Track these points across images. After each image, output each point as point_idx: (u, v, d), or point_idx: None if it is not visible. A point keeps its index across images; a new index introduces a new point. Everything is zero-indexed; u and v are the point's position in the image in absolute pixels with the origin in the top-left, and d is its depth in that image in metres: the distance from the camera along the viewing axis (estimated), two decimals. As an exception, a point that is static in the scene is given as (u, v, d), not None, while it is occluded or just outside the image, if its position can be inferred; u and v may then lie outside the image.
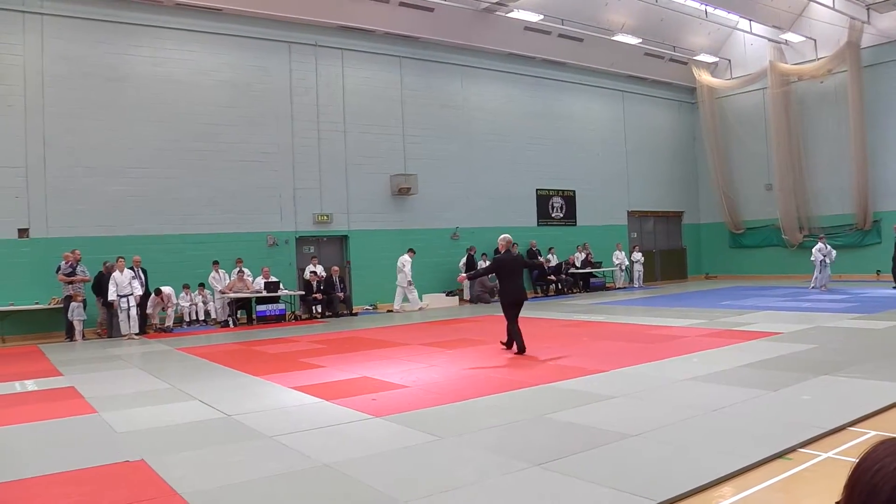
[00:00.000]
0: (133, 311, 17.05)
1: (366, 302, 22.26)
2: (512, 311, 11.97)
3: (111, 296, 16.95)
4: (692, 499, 4.99)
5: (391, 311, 21.79)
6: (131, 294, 17.03)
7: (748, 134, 29.73)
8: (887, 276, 21.46)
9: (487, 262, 19.71)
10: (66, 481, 5.84)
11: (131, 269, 17.50)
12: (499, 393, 8.81)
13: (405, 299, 21.89)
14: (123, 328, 17.03)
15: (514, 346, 11.92)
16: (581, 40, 26.19)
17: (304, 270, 21.13)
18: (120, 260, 17.15)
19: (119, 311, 17.05)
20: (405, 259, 21.63)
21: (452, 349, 12.98)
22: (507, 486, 5.37)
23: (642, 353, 11.50)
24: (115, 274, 16.96)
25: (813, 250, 22.09)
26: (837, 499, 1.13)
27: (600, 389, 8.80)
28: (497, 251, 12.92)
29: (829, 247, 21.86)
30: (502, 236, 12.84)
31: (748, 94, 29.58)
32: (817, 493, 5.12)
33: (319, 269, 20.92)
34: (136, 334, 17.05)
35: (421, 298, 22.47)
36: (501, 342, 12.41)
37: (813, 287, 20.77)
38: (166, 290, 18.31)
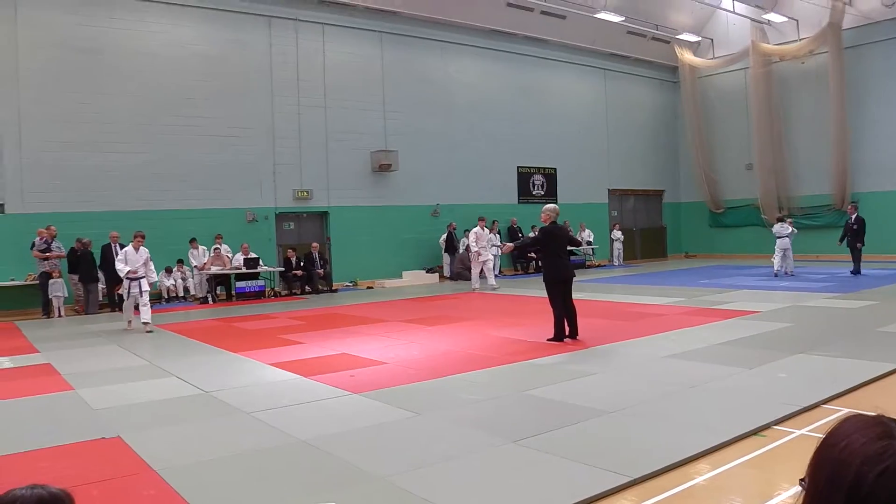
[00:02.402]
0: (146, 298, 13.81)
1: (346, 278, 22.21)
2: (559, 290, 10.64)
3: (121, 274, 14.11)
4: (668, 475, 5.02)
5: (370, 287, 21.74)
6: (143, 277, 13.95)
7: (729, 113, 29.80)
8: (866, 255, 21.39)
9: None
10: (42, 458, 5.81)
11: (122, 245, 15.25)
12: (477, 369, 8.83)
13: (482, 276, 20.38)
14: (127, 315, 14.07)
15: (567, 330, 10.68)
16: (563, 17, 26.06)
17: (287, 246, 21.03)
18: (137, 237, 14.23)
19: (126, 296, 14.01)
20: (476, 231, 20.16)
21: (432, 326, 12.99)
22: (484, 462, 5.40)
23: (621, 330, 11.56)
24: (129, 250, 14.07)
25: (777, 229, 21.29)
26: (802, 476, 1.13)
27: (579, 366, 8.85)
28: (544, 225, 10.99)
29: (792, 228, 21.32)
30: (548, 206, 11.18)
31: (730, 73, 29.60)
32: (790, 469, 5.17)
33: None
34: (146, 324, 13.62)
35: (401, 276, 22.46)
36: (548, 339, 10.68)
37: (776, 274, 20.46)
38: None
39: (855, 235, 20.00)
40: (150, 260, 14.36)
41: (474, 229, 20.19)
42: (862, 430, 1.04)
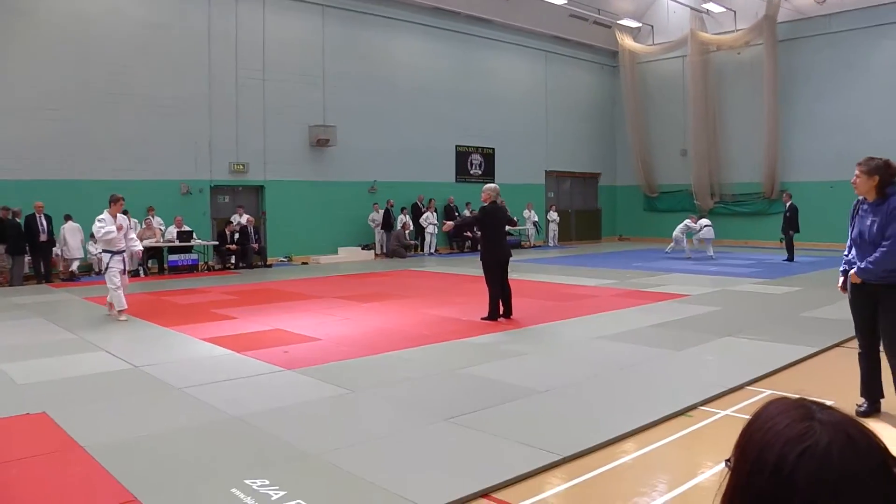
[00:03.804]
0: (124, 278, 11.67)
1: (280, 254, 21.98)
2: (496, 272, 10.71)
3: (101, 247, 12.03)
4: (597, 454, 5.14)
5: (305, 262, 21.57)
6: (124, 251, 11.69)
7: (666, 100, 30.29)
8: (802, 243, 21.95)
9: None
10: (-38, 432, 5.65)
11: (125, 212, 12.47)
12: (411, 347, 8.87)
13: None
14: (117, 301, 11.32)
15: (501, 310, 10.77)
16: (507, -2, 26.10)
17: (223, 220, 20.68)
18: (119, 201, 11.55)
19: (107, 273, 11.45)
20: None
21: (366, 303, 12.98)
22: (416, 440, 5.44)
23: (555, 310, 11.72)
24: (106, 217, 11.33)
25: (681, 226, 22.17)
26: (728, 457, 1.17)
27: (512, 346, 8.96)
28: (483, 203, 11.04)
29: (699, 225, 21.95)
30: (489, 185, 11.18)
31: (668, 60, 30.06)
32: (715, 449, 5.35)
33: (244, 220, 20.34)
34: (120, 311, 11.30)
35: (337, 252, 22.36)
36: (483, 318, 10.72)
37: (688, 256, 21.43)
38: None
39: (786, 223, 20.52)
40: (132, 229, 12.39)
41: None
42: (785, 413, 1.09)
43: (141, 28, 19.27)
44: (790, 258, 20.31)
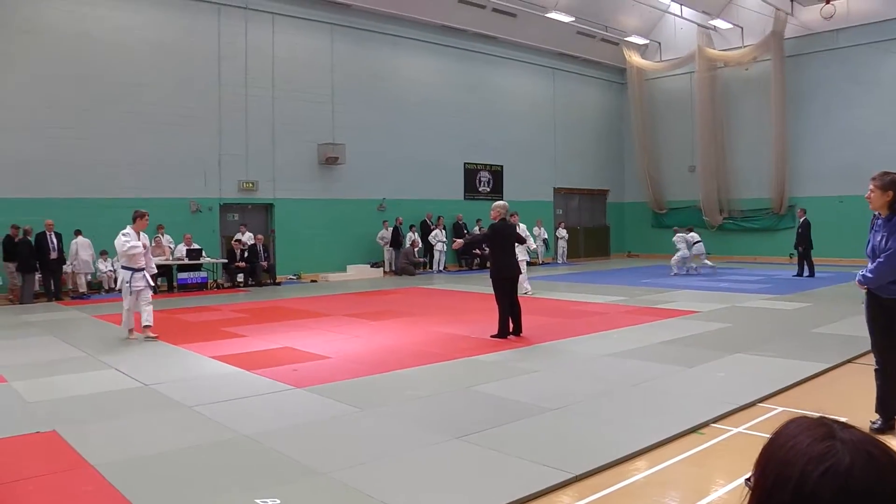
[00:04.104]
0: (149, 295, 11.28)
1: (290, 271, 22.02)
2: (505, 288, 10.74)
3: (123, 262, 11.36)
4: (609, 472, 5.11)
5: (314, 280, 21.59)
6: (143, 269, 11.25)
7: (674, 116, 30.34)
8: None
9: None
10: (-27, 451, 5.64)
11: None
12: (421, 365, 8.85)
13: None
14: (128, 321, 11.20)
15: (511, 327, 10.74)
16: (514, 15, 26.20)
17: (231, 238, 20.74)
18: (144, 217, 11.34)
19: (128, 293, 11.06)
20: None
21: (375, 321, 12.96)
22: (427, 458, 5.42)
23: (565, 328, 11.69)
24: (130, 232, 11.10)
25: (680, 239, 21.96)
26: (748, 475, 1.17)
27: (522, 363, 8.93)
28: (493, 221, 11.01)
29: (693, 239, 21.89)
30: (497, 203, 11.16)
31: (676, 77, 30.13)
32: (727, 466, 5.31)
33: (247, 237, 20.50)
34: (148, 327, 11.10)
35: (345, 270, 22.37)
36: (492, 336, 10.72)
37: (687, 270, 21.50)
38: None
39: (798, 239, 20.52)
40: (148, 249, 11.68)
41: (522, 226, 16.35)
42: (806, 432, 1.09)
43: (149, 47, 19.43)
44: (810, 273, 20.09)
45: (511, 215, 15.68)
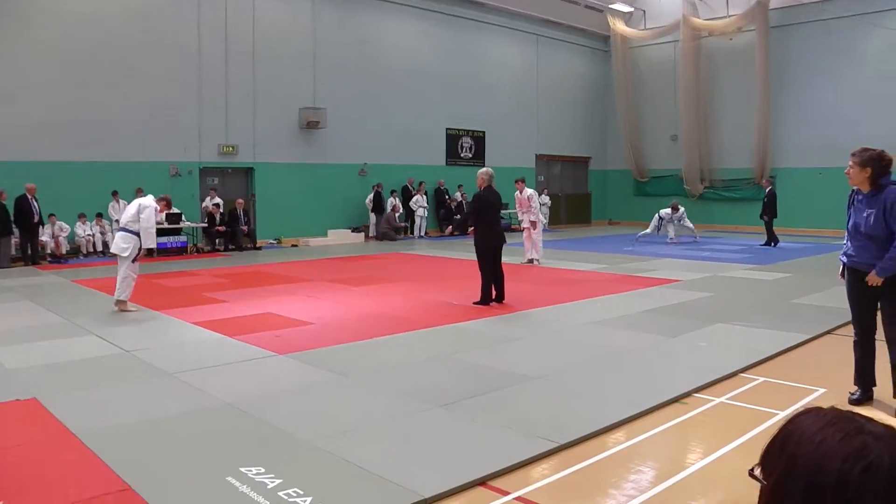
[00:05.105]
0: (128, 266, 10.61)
1: (270, 236, 21.88)
2: (490, 256, 10.67)
3: (142, 234, 10.63)
4: (592, 441, 5.14)
5: (294, 245, 21.47)
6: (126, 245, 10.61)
7: (658, 85, 30.23)
8: (782, 229, 22.00)
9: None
10: (-49, 417, 5.59)
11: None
12: (405, 332, 8.84)
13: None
14: (123, 292, 10.51)
15: (494, 294, 10.74)
16: (498, -20, 25.93)
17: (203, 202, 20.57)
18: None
19: (133, 263, 10.65)
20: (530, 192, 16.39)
21: (358, 286, 12.92)
22: (411, 427, 5.43)
23: (547, 295, 11.71)
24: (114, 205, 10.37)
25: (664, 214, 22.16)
26: (752, 467, 1.13)
27: (505, 331, 8.95)
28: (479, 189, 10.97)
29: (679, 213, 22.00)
30: (483, 170, 11.01)
31: (660, 45, 29.96)
32: (709, 436, 5.36)
33: (212, 203, 20.25)
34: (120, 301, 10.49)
35: (326, 234, 22.27)
36: (475, 303, 10.71)
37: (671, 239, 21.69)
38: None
39: (763, 208, 20.65)
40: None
41: (528, 192, 16.23)
42: (832, 426, 1.03)
43: (128, 10, 19.02)
44: (772, 243, 20.30)
45: (518, 181, 15.63)
